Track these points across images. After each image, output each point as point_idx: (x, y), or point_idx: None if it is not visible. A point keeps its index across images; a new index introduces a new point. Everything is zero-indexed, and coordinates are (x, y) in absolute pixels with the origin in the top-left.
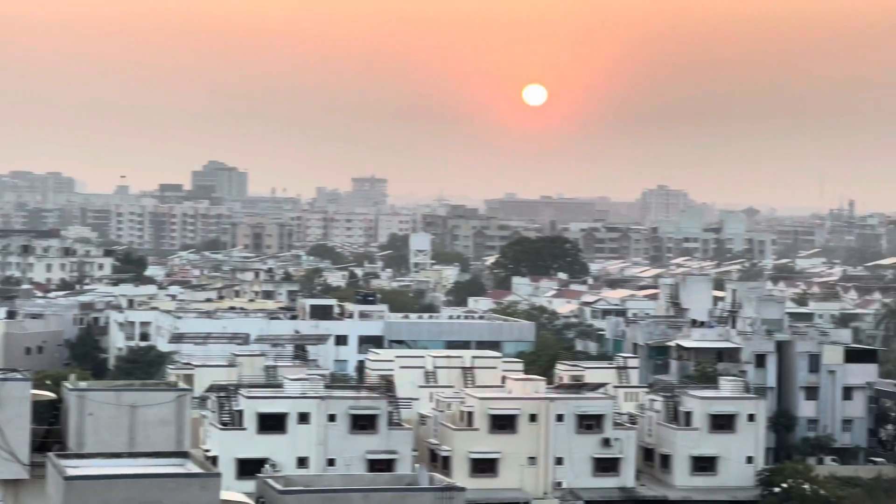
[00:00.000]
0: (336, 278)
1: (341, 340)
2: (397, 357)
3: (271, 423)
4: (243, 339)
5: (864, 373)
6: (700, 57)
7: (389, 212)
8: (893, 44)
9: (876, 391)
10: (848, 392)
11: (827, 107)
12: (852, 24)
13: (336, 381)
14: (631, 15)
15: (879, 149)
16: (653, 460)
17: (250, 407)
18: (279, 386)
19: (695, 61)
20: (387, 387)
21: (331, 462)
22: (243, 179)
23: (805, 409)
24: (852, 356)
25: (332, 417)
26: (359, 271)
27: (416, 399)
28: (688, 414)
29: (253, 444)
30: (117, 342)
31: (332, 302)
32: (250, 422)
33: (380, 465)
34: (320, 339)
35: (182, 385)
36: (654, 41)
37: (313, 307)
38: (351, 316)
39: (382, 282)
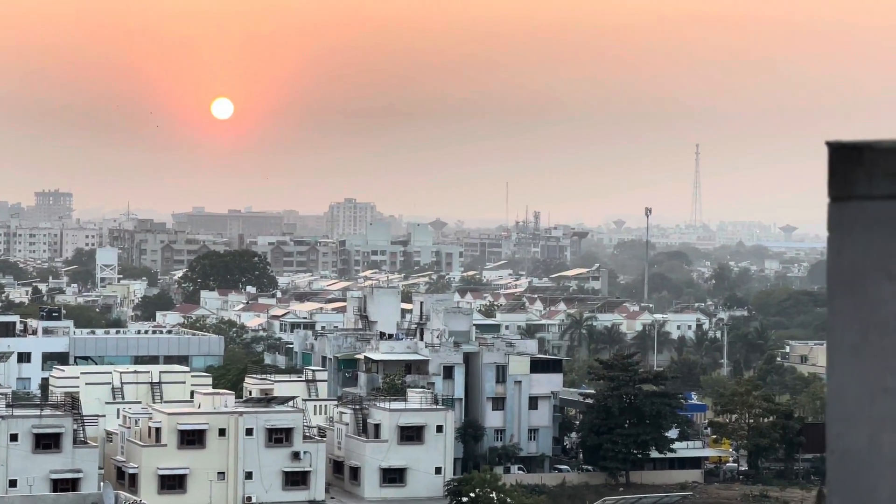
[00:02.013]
0: (19, 294)
1: (24, 357)
2: (83, 373)
3: None
4: None
5: (550, 382)
6: (383, 70)
7: (75, 226)
8: (582, 57)
9: (560, 400)
10: (534, 402)
11: (512, 119)
12: (541, 35)
13: (18, 399)
14: (312, 29)
15: (564, 161)
16: (343, 473)
17: None
18: None
19: (379, 74)
20: (72, 404)
21: (13, 483)
22: None
23: (492, 419)
24: (538, 366)
25: (13, 437)
26: (43, 287)
27: (103, 416)
28: (377, 426)
29: None
30: None
31: (15, 318)
32: None
33: (64, 485)
34: (2, 356)
35: None
36: (336, 55)
37: None
38: (35, 332)
39: (68, 297)
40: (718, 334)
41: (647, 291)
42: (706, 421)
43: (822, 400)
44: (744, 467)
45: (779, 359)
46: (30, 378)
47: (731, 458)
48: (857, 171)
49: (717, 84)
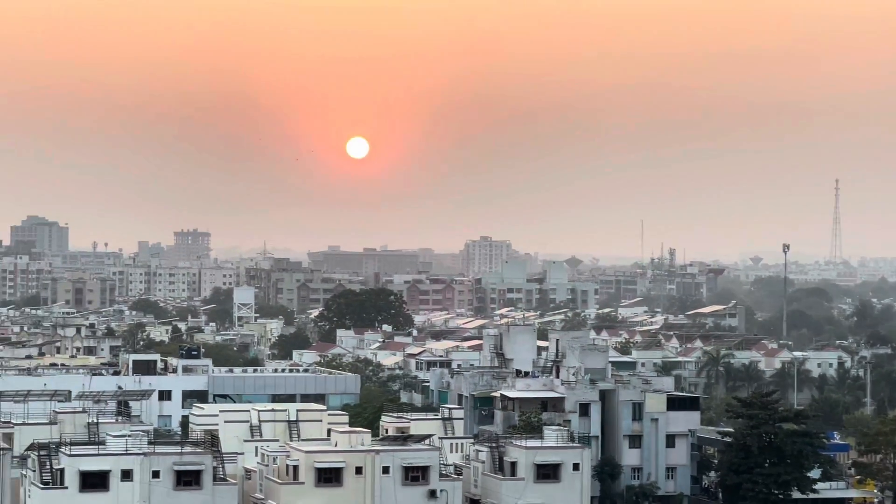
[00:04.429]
0: (159, 333)
1: (165, 395)
2: (222, 411)
3: (94, 481)
4: (64, 395)
5: (687, 420)
6: (517, 108)
7: (213, 266)
8: (719, 91)
9: (698, 438)
10: (671, 440)
11: (647, 154)
12: (677, 71)
13: (160, 436)
14: (448, 70)
15: (699, 197)
16: None
17: (72, 465)
18: (102, 443)
19: (512, 113)
20: (211, 441)
21: None
22: (64, 234)
23: (629, 457)
24: (675, 404)
25: (155, 474)
26: (182, 326)
27: (242, 453)
28: (513, 464)
29: (75, 502)
30: None
31: (156, 357)
32: (72, 480)
33: None
34: (143, 394)
35: (1, 444)
36: (469, 97)
37: (136, 362)
38: (175, 371)
39: (206, 336)
40: (861, 372)
41: (785, 328)
42: (850, 461)
43: None
44: None
45: None
46: (170, 416)
47: (876, 500)
48: None
49: (858, 115)
